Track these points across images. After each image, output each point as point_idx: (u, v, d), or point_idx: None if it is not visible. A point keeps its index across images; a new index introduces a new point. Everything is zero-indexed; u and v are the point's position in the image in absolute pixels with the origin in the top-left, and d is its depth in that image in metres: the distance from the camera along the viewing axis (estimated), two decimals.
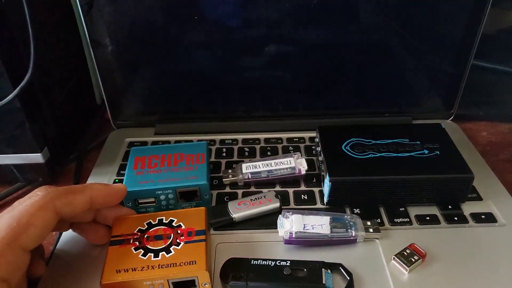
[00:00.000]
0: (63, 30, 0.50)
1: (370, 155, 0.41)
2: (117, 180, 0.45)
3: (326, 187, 0.40)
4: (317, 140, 0.46)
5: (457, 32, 0.48)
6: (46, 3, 0.45)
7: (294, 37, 0.48)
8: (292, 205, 0.42)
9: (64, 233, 0.39)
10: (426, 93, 0.53)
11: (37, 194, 0.31)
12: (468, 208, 0.41)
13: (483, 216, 0.40)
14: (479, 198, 0.42)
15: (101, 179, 0.46)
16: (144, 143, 0.51)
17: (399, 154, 0.41)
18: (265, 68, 0.50)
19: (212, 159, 0.49)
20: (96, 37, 0.47)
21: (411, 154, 0.42)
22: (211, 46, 0.48)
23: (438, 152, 0.42)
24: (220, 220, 0.39)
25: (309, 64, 0.50)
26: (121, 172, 0.46)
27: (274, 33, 0.48)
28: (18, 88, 0.39)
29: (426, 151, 0.42)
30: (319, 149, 0.44)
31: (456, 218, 0.40)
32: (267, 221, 0.40)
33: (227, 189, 0.44)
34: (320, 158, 0.43)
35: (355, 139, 0.44)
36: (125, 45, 0.48)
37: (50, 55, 0.46)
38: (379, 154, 0.41)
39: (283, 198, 0.42)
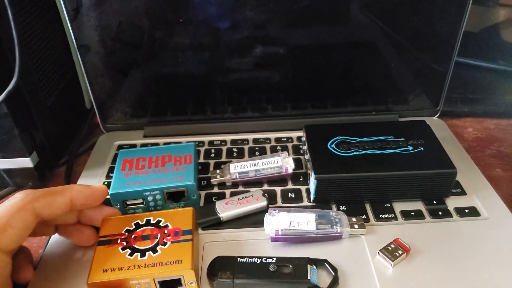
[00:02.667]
0: (51, 34, 0.50)
1: (354, 153, 0.42)
2: (106, 183, 0.46)
3: (312, 184, 0.41)
4: (303, 139, 0.47)
5: (440, 30, 0.49)
6: (33, 7, 0.46)
7: (280, 38, 0.49)
8: (279, 203, 0.43)
9: (52, 237, 0.39)
10: (411, 91, 0.54)
11: (16, 197, 0.31)
12: (453, 202, 0.41)
13: (466, 210, 0.40)
14: (463, 192, 0.43)
15: (91, 181, 0.46)
16: (133, 146, 0.52)
17: (384, 151, 0.42)
18: (252, 69, 0.51)
19: (201, 160, 0.49)
20: (84, 42, 0.47)
21: (396, 150, 0.42)
22: (198, 48, 0.49)
23: (422, 148, 0.42)
24: (208, 220, 0.40)
25: (296, 64, 0.51)
26: (110, 174, 0.47)
27: (260, 34, 0.48)
28: (4, 94, 0.39)
29: (411, 148, 0.42)
30: (305, 147, 0.45)
31: (440, 213, 0.40)
32: (254, 219, 0.40)
33: (216, 189, 0.45)
34: (307, 157, 0.44)
35: (340, 137, 0.44)
36: (112, 49, 0.48)
37: (38, 59, 0.47)
38: (363, 152, 0.42)
39: (271, 197, 0.43)
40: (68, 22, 0.45)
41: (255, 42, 0.49)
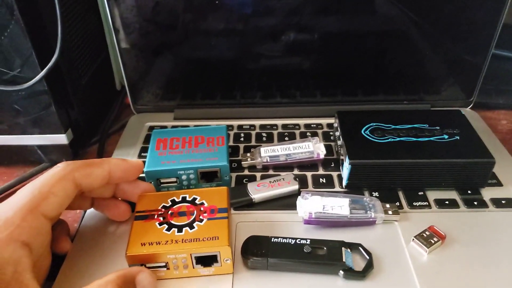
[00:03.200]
0: (86, 14, 0.50)
1: (389, 139, 0.41)
2: None
3: (346, 170, 0.41)
4: (335, 125, 0.46)
5: (478, 20, 0.48)
6: None
7: (313, 24, 0.48)
8: (310, 188, 0.43)
9: (88, 211, 0.40)
10: (445, 80, 0.53)
11: (58, 166, 0.33)
12: (488, 193, 0.41)
13: (503, 201, 0.40)
14: (499, 184, 0.42)
15: None
16: (164, 128, 0.52)
17: (419, 139, 0.42)
18: (283, 55, 0.51)
19: (230, 143, 0.49)
20: (119, 22, 0.48)
21: (431, 138, 0.42)
22: (230, 33, 0.49)
23: (458, 137, 0.42)
24: (240, 200, 0.40)
25: (327, 51, 0.50)
26: (142, 154, 0.47)
27: (293, 19, 0.48)
28: (46, 69, 0.40)
29: (446, 136, 0.42)
30: (338, 133, 0.45)
31: (475, 203, 0.40)
32: (286, 202, 0.40)
33: (246, 172, 0.45)
34: (339, 143, 0.44)
35: (374, 124, 0.44)
36: (146, 30, 0.49)
37: (75, 39, 0.47)
38: (398, 139, 0.42)
39: (302, 182, 0.43)
40: (105, 2, 0.46)
41: (287, 28, 0.49)
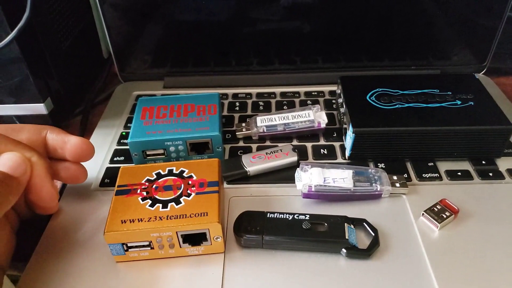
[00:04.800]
0: None
1: (397, 106, 0.38)
2: (124, 133, 0.43)
3: (349, 139, 0.37)
4: (338, 91, 0.43)
5: None
6: None
7: None
8: (310, 159, 0.39)
9: (68, 186, 0.36)
10: (456, 44, 0.48)
11: None
12: (504, 163, 0.37)
13: None
14: None
15: (108, 131, 0.43)
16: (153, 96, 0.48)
17: (429, 105, 0.38)
18: (281, 17, 0.46)
19: (225, 113, 0.46)
20: None
21: (442, 104, 0.38)
22: None
23: (472, 103, 0.38)
24: (234, 174, 0.36)
25: (330, 12, 0.46)
26: (128, 125, 0.44)
27: None
28: (16, 29, 0.36)
29: (459, 102, 0.38)
30: (340, 100, 0.41)
31: (491, 174, 0.36)
32: (284, 175, 0.37)
33: (241, 143, 0.41)
34: (342, 110, 0.40)
35: (380, 89, 0.40)
36: None
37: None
38: (407, 105, 0.38)
39: (301, 153, 0.39)
40: None
41: None
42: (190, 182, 0.31)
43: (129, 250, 0.29)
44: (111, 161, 0.40)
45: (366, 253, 0.30)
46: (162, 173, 0.32)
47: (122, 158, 0.40)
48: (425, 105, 0.38)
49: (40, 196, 0.30)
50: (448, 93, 0.39)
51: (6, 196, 0.27)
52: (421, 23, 0.47)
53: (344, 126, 0.39)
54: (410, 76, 0.42)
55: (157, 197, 0.30)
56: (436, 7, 0.45)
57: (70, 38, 0.47)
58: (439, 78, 0.42)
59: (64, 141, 0.33)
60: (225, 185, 0.36)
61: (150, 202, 0.30)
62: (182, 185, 0.31)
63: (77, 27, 0.49)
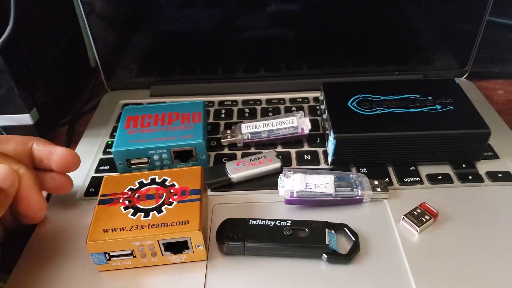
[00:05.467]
0: None
1: (378, 111, 0.38)
2: (109, 142, 0.43)
3: (331, 145, 0.38)
4: (321, 98, 0.43)
5: None
6: None
7: None
8: (294, 165, 0.40)
9: (52, 197, 0.37)
10: (438, 49, 0.49)
11: None
12: (484, 166, 0.38)
13: (500, 175, 0.37)
14: (495, 156, 0.39)
15: (94, 140, 0.43)
16: (139, 105, 0.49)
17: (409, 110, 0.39)
18: (266, 26, 0.47)
19: (211, 120, 0.46)
20: None
21: (423, 109, 0.39)
22: (208, 2, 0.45)
23: (452, 107, 0.39)
24: (218, 181, 0.37)
25: (314, 20, 0.47)
26: (114, 134, 0.44)
27: None
28: None
29: (439, 107, 0.39)
30: (323, 106, 0.42)
31: (470, 177, 0.37)
32: (268, 181, 0.37)
33: (226, 151, 0.42)
34: (325, 116, 0.41)
35: (362, 95, 0.41)
36: (117, 1, 0.45)
37: (37, 9, 0.43)
38: (387, 110, 0.39)
39: (285, 159, 0.40)
40: None
41: None
42: (172, 191, 0.32)
43: (111, 259, 0.30)
44: (97, 170, 0.40)
45: (346, 258, 0.30)
46: (145, 182, 0.33)
47: (108, 167, 0.40)
48: (405, 110, 0.39)
49: (29, 207, 0.31)
50: (429, 98, 0.40)
51: None
52: (403, 29, 0.47)
53: (327, 132, 0.40)
54: (392, 81, 0.43)
55: (139, 206, 0.31)
56: (417, 13, 0.46)
57: (56, 48, 0.48)
58: (420, 84, 0.43)
59: (50, 152, 0.33)
60: (209, 192, 0.37)
61: (132, 211, 0.30)
62: (164, 193, 0.31)
63: (63, 38, 0.49)
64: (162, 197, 0.31)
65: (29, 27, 0.42)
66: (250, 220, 0.32)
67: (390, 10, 0.46)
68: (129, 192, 0.32)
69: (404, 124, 0.37)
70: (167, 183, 0.32)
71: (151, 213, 0.30)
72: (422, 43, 0.49)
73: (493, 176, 0.37)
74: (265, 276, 0.30)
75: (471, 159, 0.38)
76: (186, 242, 0.29)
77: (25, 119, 0.42)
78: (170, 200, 0.31)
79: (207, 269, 0.30)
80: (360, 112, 0.38)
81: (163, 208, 0.30)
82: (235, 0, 0.45)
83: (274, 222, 0.32)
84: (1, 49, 0.37)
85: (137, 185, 0.32)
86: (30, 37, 0.42)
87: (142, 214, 0.30)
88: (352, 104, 0.40)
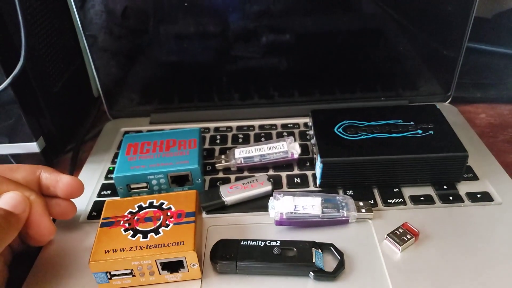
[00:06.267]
0: (58, 20, 0.50)
1: (362, 136, 0.41)
2: (111, 168, 0.45)
3: (318, 169, 0.40)
4: (310, 124, 0.46)
5: (450, 14, 0.47)
6: None
7: (287, 24, 0.48)
8: (284, 188, 0.42)
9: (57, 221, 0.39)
10: (421, 76, 0.52)
11: None
12: (464, 187, 0.40)
13: (479, 195, 0.39)
14: (475, 177, 0.41)
15: (96, 166, 0.46)
16: (140, 132, 0.51)
17: (392, 135, 0.41)
18: (259, 56, 0.50)
19: (206, 146, 0.49)
20: (90, 28, 0.47)
21: (404, 134, 0.41)
22: (204, 34, 0.48)
23: (432, 132, 0.41)
24: (212, 204, 0.39)
25: (303, 50, 0.50)
26: (115, 160, 0.46)
27: (267, 20, 0.47)
28: (11, 77, 0.39)
29: (420, 131, 0.41)
30: (311, 132, 0.44)
31: (451, 198, 0.39)
32: (259, 204, 0.40)
33: (220, 174, 0.44)
34: (313, 141, 0.43)
35: (348, 121, 0.43)
36: (118, 35, 0.48)
37: (45, 45, 0.47)
38: (371, 135, 0.41)
39: (276, 182, 0.42)
40: (74, 7, 0.45)
41: (262, 29, 0.48)
42: (169, 213, 0.34)
43: (112, 278, 0.32)
44: (99, 195, 0.42)
45: (332, 275, 0.32)
46: (144, 205, 0.35)
47: (109, 191, 0.42)
48: (388, 135, 0.41)
49: (39, 231, 0.33)
50: (411, 123, 0.42)
51: (7, 231, 0.30)
52: (388, 58, 0.51)
53: (315, 156, 0.42)
54: (376, 108, 0.46)
55: (138, 228, 0.33)
56: (400, 42, 0.49)
57: (62, 79, 0.51)
58: (403, 109, 0.46)
59: (56, 180, 0.36)
60: (204, 214, 0.39)
61: (131, 233, 0.32)
62: (162, 216, 0.34)
63: (68, 70, 0.53)
64: (159, 220, 0.33)
65: (38, 62, 0.45)
66: (242, 241, 0.34)
67: (375, 40, 0.49)
68: (129, 215, 0.34)
69: (387, 148, 0.39)
70: (164, 206, 0.35)
71: (149, 235, 0.32)
72: (407, 71, 0.52)
73: (473, 197, 0.39)
74: None
75: (452, 181, 0.41)
76: (181, 261, 0.31)
77: (32, 147, 0.45)
78: (167, 222, 0.33)
79: (202, 287, 0.32)
80: (346, 137, 0.41)
81: (160, 230, 0.33)
82: (230, 33, 0.48)
83: (264, 242, 0.34)
84: (12, 83, 0.40)
85: (137, 209, 0.35)
86: (38, 71, 0.45)
87: (141, 235, 0.32)
88: (338, 129, 0.42)
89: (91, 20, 0.47)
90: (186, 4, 0.46)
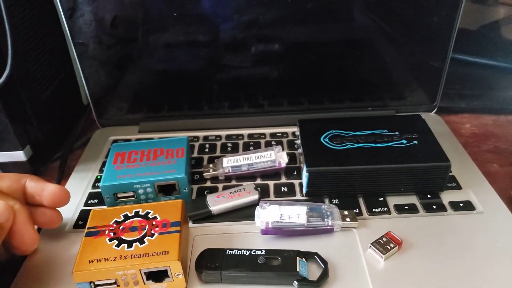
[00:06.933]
0: (47, 28, 0.50)
1: (347, 146, 0.41)
2: (99, 177, 0.46)
3: (304, 178, 0.40)
4: (297, 133, 0.46)
5: (434, 25, 0.48)
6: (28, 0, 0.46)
7: (276, 35, 0.49)
8: (272, 197, 0.42)
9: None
10: (408, 86, 0.53)
11: None
12: (447, 196, 0.41)
13: (461, 204, 0.40)
14: (458, 187, 0.42)
15: (84, 175, 0.46)
16: (128, 141, 0.52)
17: (377, 145, 0.42)
18: (248, 66, 0.51)
19: (195, 155, 0.49)
20: (79, 36, 0.47)
21: (389, 144, 0.42)
22: (193, 44, 0.49)
23: (417, 142, 0.42)
24: (199, 213, 0.39)
25: (292, 60, 0.50)
26: (103, 169, 0.46)
27: (256, 30, 0.48)
28: None
29: (405, 141, 0.42)
30: (299, 141, 0.45)
31: (434, 207, 0.40)
32: (246, 213, 0.40)
33: (208, 184, 0.44)
34: (300, 151, 0.43)
35: (334, 131, 0.44)
36: (107, 44, 0.48)
37: (33, 52, 0.47)
38: (356, 145, 0.42)
39: (264, 191, 0.43)
40: (63, 16, 0.46)
41: (251, 38, 0.49)
42: (154, 223, 0.34)
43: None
44: (86, 204, 0.42)
45: (315, 284, 0.32)
46: (129, 214, 0.35)
47: (96, 200, 0.42)
48: (373, 145, 0.42)
49: (23, 240, 0.33)
50: (396, 133, 0.43)
51: None
52: (375, 69, 0.51)
53: (301, 165, 0.42)
54: (362, 118, 0.46)
55: (123, 237, 0.33)
56: (387, 53, 0.50)
57: (50, 87, 0.51)
58: (389, 120, 0.46)
59: (42, 189, 0.36)
60: (191, 224, 0.39)
61: (116, 242, 0.33)
62: (147, 225, 0.34)
63: (57, 77, 0.53)
64: (144, 229, 0.34)
65: (25, 70, 0.45)
66: (227, 250, 0.34)
67: (362, 51, 0.50)
68: (114, 225, 0.34)
69: (371, 158, 0.40)
70: (149, 215, 0.35)
71: (134, 244, 0.32)
72: (393, 81, 0.53)
73: (455, 206, 0.40)
74: None
75: (436, 190, 0.41)
76: (166, 271, 0.32)
77: (19, 155, 0.45)
78: (152, 232, 0.33)
79: None
80: (331, 147, 0.42)
81: (145, 240, 0.33)
82: (219, 42, 0.49)
83: (249, 251, 0.34)
84: None
85: (122, 218, 0.35)
86: (26, 79, 0.45)
87: (126, 245, 0.32)
88: (325, 139, 0.43)
89: (80, 29, 0.47)
90: (175, 14, 0.46)
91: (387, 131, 0.43)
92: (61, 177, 0.48)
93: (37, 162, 0.47)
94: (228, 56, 0.50)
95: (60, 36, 0.53)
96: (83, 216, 0.40)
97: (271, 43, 0.49)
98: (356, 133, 0.43)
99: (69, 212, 0.41)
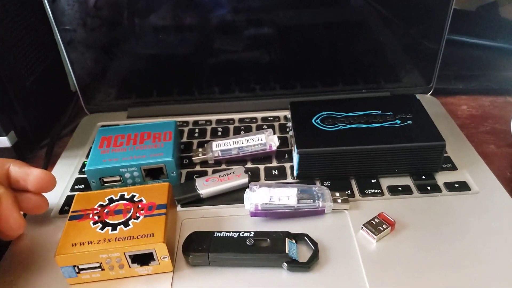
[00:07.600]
0: (31, 11, 0.49)
1: (340, 127, 0.40)
2: (85, 162, 0.44)
3: (295, 160, 0.39)
4: (289, 116, 0.45)
5: (430, 5, 0.47)
6: None
7: (267, 17, 0.47)
8: (262, 180, 0.41)
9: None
10: (403, 67, 0.52)
11: None
12: (442, 177, 0.40)
13: (456, 185, 0.39)
14: (453, 167, 0.41)
15: (71, 161, 0.45)
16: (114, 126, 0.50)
17: (370, 125, 0.41)
18: (239, 49, 0.49)
19: (184, 139, 0.48)
20: (62, 19, 0.46)
21: (382, 124, 0.41)
22: (182, 27, 0.48)
23: (411, 122, 0.41)
24: (187, 197, 0.38)
25: (284, 43, 0.49)
26: None
27: (247, 13, 0.47)
28: None
29: (398, 121, 0.41)
30: (290, 124, 0.44)
31: (429, 188, 0.39)
32: (235, 196, 0.39)
33: (198, 168, 0.43)
34: (291, 133, 0.42)
35: (326, 112, 0.43)
36: (92, 26, 0.47)
37: (15, 36, 0.45)
38: (349, 126, 0.41)
39: (254, 174, 0.42)
40: (47, 5, 0.44)
41: (242, 21, 0.47)
42: (139, 206, 0.33)
43: (80, 272, 0.31)
44: (72, 189, 0.41)
45: (306, 266, 0.31)
46: (114, 198, 0.34)
47: (83, 186, 0.41)
48: (366, 125, 0.41)
49: (8, 225, 0.32)
50: (389, 113, 0.42)
51: None
52: (369, 50, 0.50)
53: (292, 147, 0.41)
54: (356, 99, 0.45)
55: (107, 220, 0.32)
56: (382, 34, 0.49)
57: (36, 73, 0.50)
58: (382, 100, 0.45)
59: (26, 173, 0.34)
60: (179, 208, 0.38)
61: (100, 225, 0.32)
62: (132, 208, 0.33)
63: (43, 63, 0.51)
64: (129, 212, 0.33)
65: (7, 55, 0.44)
66: (215, 233, 0.33)
67: (356, 32, 0.49)
68: (99, 208, 0.33)
69: (364, 139, 0.39)
70: (135, 199, 0.34)
71: (118, 227, 0.31)
72: (388, 62, 0.51)
73: (450, 186, 0.39)
74: (229, 285, 0.31)
75: (430, 171, 0.40)
76: (151, 254, 0.31)
77: (2, 141, 0.44)
78: (137, 214, 0.32)
79: (173, 280, 0.32)
80: (323, 128, 0.40)
81: (130, 222, 0.32)
82: (209, 26, 0.47)
83: (238, 233, 0.33)
84: None
85: (107, 201, 0.34)
86: (8, 62, 0.44)
87: (110, 228, 0.31)
88: (316, 121, 0.42)
89: (63, 11, 0.45)
90: None
91: (380, 112, 0.42)
92: (48, 163, 0.47)
93: (23, 149, 0.46)
94: (218, 39, 0.49)
95: (44, 20, 0.51)
96: (69, 202, 0.39)
97: (263, 26, 0.48)
98: (349, 114, 0.42)
99: (55, 197, 0.40)
